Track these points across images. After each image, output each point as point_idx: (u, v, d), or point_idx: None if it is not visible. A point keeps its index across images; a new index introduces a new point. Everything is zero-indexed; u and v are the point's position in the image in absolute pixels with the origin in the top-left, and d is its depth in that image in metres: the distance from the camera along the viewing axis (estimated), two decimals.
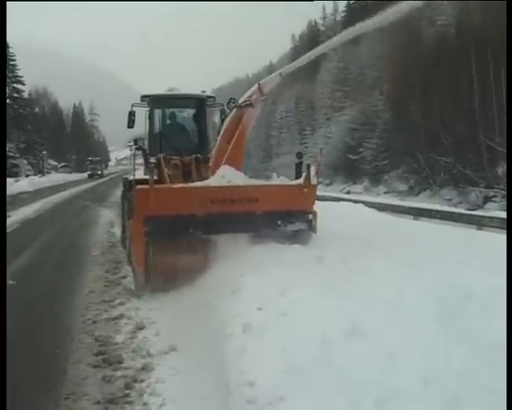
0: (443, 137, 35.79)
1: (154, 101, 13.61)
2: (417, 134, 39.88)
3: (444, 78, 38.14)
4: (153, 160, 12.06)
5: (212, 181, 10.39)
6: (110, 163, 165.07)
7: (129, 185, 12.04)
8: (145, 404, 5.63)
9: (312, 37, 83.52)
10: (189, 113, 14.82)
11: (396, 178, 45.47)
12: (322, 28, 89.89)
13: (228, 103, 12.16)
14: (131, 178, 11.79)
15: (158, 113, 14.04)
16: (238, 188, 10.08)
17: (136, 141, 12.75)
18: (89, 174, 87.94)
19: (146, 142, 13.22)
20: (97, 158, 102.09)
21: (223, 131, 11.95)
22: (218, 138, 12.12)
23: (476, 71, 34.70)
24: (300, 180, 10.49)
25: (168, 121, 14.19)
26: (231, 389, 4.83)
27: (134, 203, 9.83)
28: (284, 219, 10.31)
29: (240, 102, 11.59)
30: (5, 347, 5.77)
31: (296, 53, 75.60)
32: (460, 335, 5.54)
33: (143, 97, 13.59)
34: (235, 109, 11.66)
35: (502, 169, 32.58)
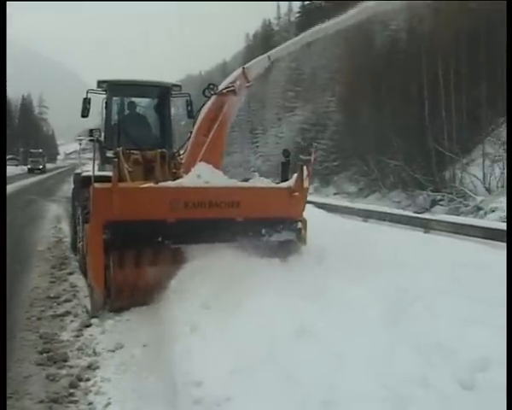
0: (393, 140, 36.24)
1: (112, 87, 12.17)
2: (368, 136, 40.35)
3: (395, 81, 38.71)
4: (110, 154, 10.93)
5: (187, 181, 8.95)
6: (59, 157, 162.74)
7: (82, 183, 10.53)
8: (90, 403, 5.53)
9: (266, 36, 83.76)
10: (151, 102, 13.39)
11: (346, 180, 45.94)
12: (277, 28, 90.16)
13: (205, 90, 10.64)
14: (86, 173, 10.76)
15: (117, 101, 12.65)
16: (217, 190, 8.64)
17: (91, 132, 11.03)
18: (28, 168, 73.38)
19: (102, 134, 11.69)
20: (39, 150, 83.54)
21: (199, 121, 10.67)
22: (194, 130, 10.79)
23: (426, 76, 35.27)
24: (290, 182, 9.39)
25: (128, 111, 12.75)
26: (178, 389, 4.81)
27: (92, 205, 8.14)
28: (270, 227, 9.03)
29: (220, 88, 10.42)
30: (5, 347, 5.59)
31: (250, 52, 75.86)
32: (405, 336, 5.64)
33: (100, 83, 12.10)
34: (214, 97, 10.43)
35: (449, 173, 33.15)
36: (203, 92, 10.64)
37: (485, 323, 6.01)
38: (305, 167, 9.34)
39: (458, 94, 33.60)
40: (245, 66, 10.10)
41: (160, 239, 8.19)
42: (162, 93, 12.72)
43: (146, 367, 6.16)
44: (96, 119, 13.18)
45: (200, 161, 9.55)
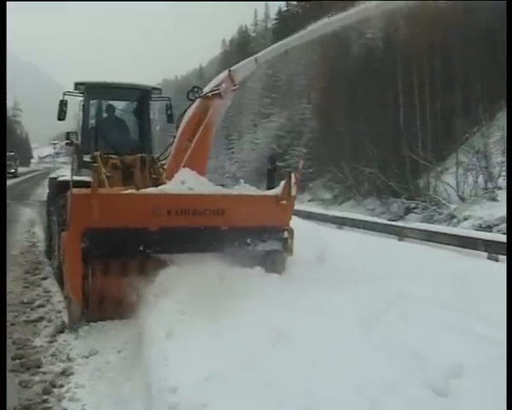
0: (368, 147, 36.43)
1: (90, 90, 11.73)
2: (343, 144, 40.58)
3: (370, 89, 39.00)
4: (87, 158, 10.51)
5: (170, 187, 8.56)
6: (33, 160, 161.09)
7: (59, 187, 10.39)
8: None
9: (243, 42, 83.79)
10: (130, 106, 12.94)
11: (321, 187, 46.06)
12: (253, 34, 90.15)
13: (189, 93, 10.24)
14: (63, 178, 10.47)
15: (94, 104, 12.22)
16: (201, 197, 8.33)
17: (68, 135, 11.29)
18: None
19: (79, 137, 11.54)
20: (11, 153, 72.89)
21: (183, 126, 10.25)
22: (177, 135, 10.38)
23: (402, 84, 35.61)
24: (277, 190, 9.12)
25: (106, 114, 12.33)
26: (153, 394, 4.79)
27: (70, 212, 7.71)
28: (255, 236, 8.75)
29: (205, 91, 9.96)
30: (5, 346, 5.50)
31: (226, 58, 75.84)
32: (381, 343, 5.66)
33: (78, 85, 11.67)
34: (198, 100, 10.00)
35: (423, 181, 33.40)
36: (187, 95, 10.27)
37: (458, 330, 6.07)
38: (292, 175, 9.13)
39: (433, 102, 34.02)
40: (231, 68, 9.67)
41: (141, 248, 7.93)
42: (141, 96, 12.33)
43: (121, 373, 6.14)
44: (71, 122, 12.95)
45: (184, 166, 9.21)
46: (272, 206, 8.90)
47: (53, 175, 13.85)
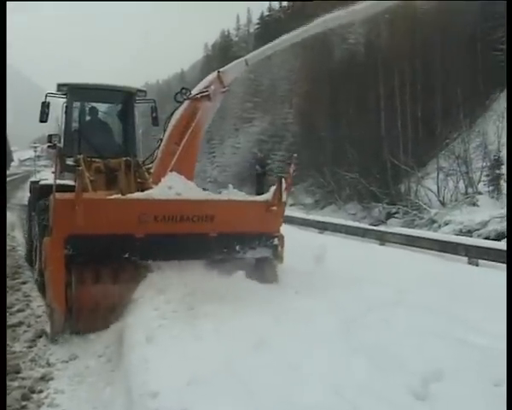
0: (349, 152, 36.56)
1: (73, 91, 11.40)
2: (324, 148, 40.71)
3: (352, 94, 39.20)
4: (70, 162, 10.17)
5: (157, 192, 8.20)
6: (13, 164, 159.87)
7: (41, 192, 9.91)
8: None
9: (225, 47, 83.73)
10: (114, 108, 12.59)
11: (302, 191, 46.12)
12: (236, 39, 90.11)
13: (176, 94, 9.95)
14: (45, 182, 10.21)
15: (77, 106, 11.86)
16: (189, 203, 8.12)
17: (50, 138, 10.93)
18: None
19: (62, 140, 11.15)
20: None
21: (170, 128, 10.01)
22: (164, 138, 10.13)
23: (383, 89, 35.80)
24: (268, 196, 8.81)
25: (89, 117, 12.04)
26: (134, 399, 4.76)
27: (52, 217, 7.41)
28: (245, 243, 8.52)
29: (194, 93, 9.71)
30: (5, 345, 5.42)
31: (208, 62, 75.84)
32: (360, 347, 5.68)
33: (60, 86, 11.33)
34: (186, 102, 9.76)
35: (404, 186, 33.59)
36: (174, 97, 10.00)
37: (438, 334, 6.10)
38: (283, 180, 8.78)
39: (414, 108, 34.31)
40: (220, 70, 9.48)
41: (126, 255, 7.67)
42: (126, 98, 11.98)
43: (101, 378, 6.10)
44: (52, 125, 12.77)
45: (172, 170, 8.91)
46: (262, 212, 8.64)
47: (34, 179, 13.55)
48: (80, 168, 7.69)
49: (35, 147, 78.55)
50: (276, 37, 9.39)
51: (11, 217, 22.75)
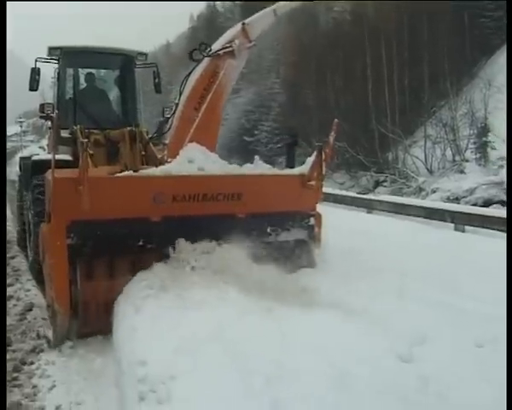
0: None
1: (66, 56, 10.18)
2: (311, 118, 40.56)
3: (339, 63, 39.07)
4: (65, 134, 9.12)
5: (175, 167, 6.96)
6: None
7: (34, 169, 8.99)
8: (34, 387, 5.49)
9: (211, 18, 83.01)
10: (112, 73, 11.43)
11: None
12: (221, 10, 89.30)
13: (193, 51, 8.59)
14: (38, 157, 9.47)
15: (71, 72, 10.72)
16: (214, 179, 6.97)
17: (42, 107, 9.28)
18: None
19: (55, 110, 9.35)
20: None
21: (188, 91, 8.70)
22: (181, 102, 8.77)
23: (370, 58, 35.70)
24: (303, 169, 7.67)
25: (84, 84, 10.87)
26: (123, 368, 4.81)
27: (51, 200, 6.17)
28: (277, 224, 7.44)
29: (215, 49, 8.49)
30: (5, 345, 5.43)
31: (194, 33, 75.15)
32: (347, 312, 5.76)
33: (52, 50, 10.08)
34: (206, 60, 8.50)
35: (392, 155, 33.67)
36: (190, 55, 8.62)
37: (423, 299, 6.20)
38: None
39: (401, 76, 34.27)
40: (245, 21, 8.41)
41: (140, 243, 6.60)
42: (125, 63, 10.81)
43: (92, 349, 6.17)
44: (37, 98, 12.21)
45: (191, 141, 7.72)
46: (298, 187, 7.51)
47: (25, 154, 12.77)
48: (85, 140, 6.38)
49: (21, 122, 78.00)
50: (263, 7, 8.89)
51: None
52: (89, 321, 6.37)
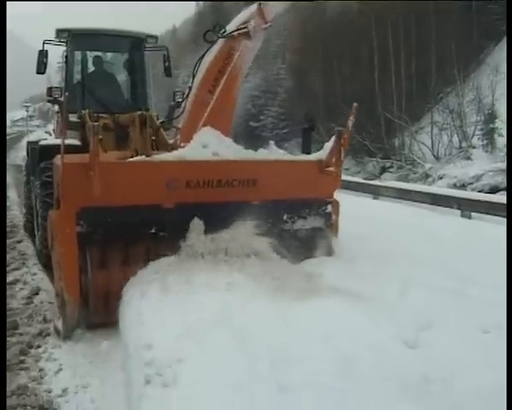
0: (343, 107, 36.40)
1: (75, 38, 9.94)
2: (318, 104, 40.42)
3: (345, 49, 38.87)
4: (74, 118, 8.86)
5: (189, 152, 6.84)
6: None
7: (41, 153, 8.85)
8: (41, 370, 5.54)
9: (217, 3, 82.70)
10: (122, 56, 11.15)
11: (296, 147, 46.00)
12: None
13: (207, 33, 8.37)
14: (46, 142, 9.38)
15: (79, 55, 10.53)
16: (229, 164, 6.81)
17: (50, 91, 9.15)
18: None
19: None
20: None
21: (202, 74, 8.36)
22: (195, 85, 8.44)
23: (377, 44, 35.49)
24: (321, 154, 7.49)
25: (93, 67, 10.64)
26: (130, 352, 4.82)
27: (61, 186, 6.05)
28: (293, 211, 7.30)
29: (229, 29, 8.17)
30: (5, 344, 5.46)
31: (200, 18, 74.86)
32: (352, 297, 5.76)
33: (60, 32, 9.85)
34: (221, 42, 8.21)
35: (398, 141, 33.55)
36: (204, 36, 8.37)
37: (429, 285, 6.19)
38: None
39: (408, 62, 34.04)
40: (262, 1, 8.03)
41: (153, 230, 6.46)
42: (135, 46, 10.65)
43: (98, 334, 6.18)
44: (43, 81, 12.03)
45: (205, 125, 7.54)
46: (315, 173, 7.33)
47: (32, 138, 12.57)
48: (96, 124, 6.20)
49: (27, 106, 78.01)
50: None
51: None
52: (99, 311, 6.22)
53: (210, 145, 6.87)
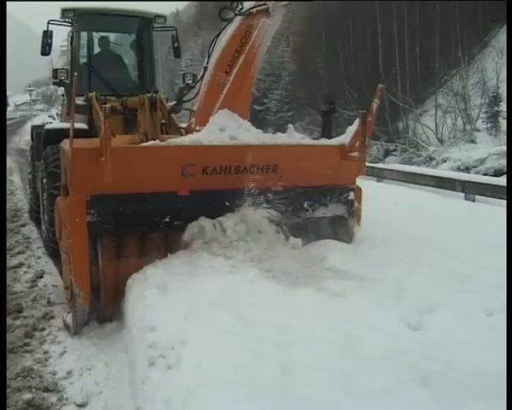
0: (346, 90, 36.30)
1: (81, 18, 9.66)
2: (322, 87, 40.32)
3: (350, 32, 38.71)
4: (80, 101, 8.47)
5: (206, 136, 6.53)
6: (9, 108, 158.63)
7: (47, 138, 8.54)
8: (46, 352, 5.57)
9: None
10: (129, 37, 10.76)
11: (300, 130, 45.78)
12: None
13: (222, 10, 7.59)
14: (52, 126, 9.11)
15: (85, 36, 10.27)
16: (248, 149, 6.36)
17: (56, 73, 8.90)
18: None
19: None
20: None
21: (218, 53, 7.65)
22: (211, 66, 7.71)
23: (381, 27, 35.31)
24: (344, 138, 7.17)
25: (100, 48, 10.40)
26: (133, 334, 4.84)
27: (70, 173, 5.69)
28: (314, 198, 6.95)
29: (247, 7, 7.37)
30: (5, 344, 5.49)
31: (203, 2, 74.61)
32: (356, 279, 5.77)
33: (65, 12, 9.56)
34: (238, 19, 7.47)
35: (402, 124, 33.46)
36: (219, 14, 7.70)
37: (433, 267, 6.18)
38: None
39: (412, 44, 33.88)
40: None
41: (167, 219, 6.11)
42: (143, 26, 10.34)
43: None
44: (45, 65, 11.91)
45: (222, 108, 7.18)
46: (337, 159, 7.04)
47: (36, 123, 12.38)
48: (108, 106, 5.80)
49: (30, 91, 78.05)
50: None
51: (9, 162, 22.88)
52: (111, 305, 5.93)
53: (227, 129, 6.65)
